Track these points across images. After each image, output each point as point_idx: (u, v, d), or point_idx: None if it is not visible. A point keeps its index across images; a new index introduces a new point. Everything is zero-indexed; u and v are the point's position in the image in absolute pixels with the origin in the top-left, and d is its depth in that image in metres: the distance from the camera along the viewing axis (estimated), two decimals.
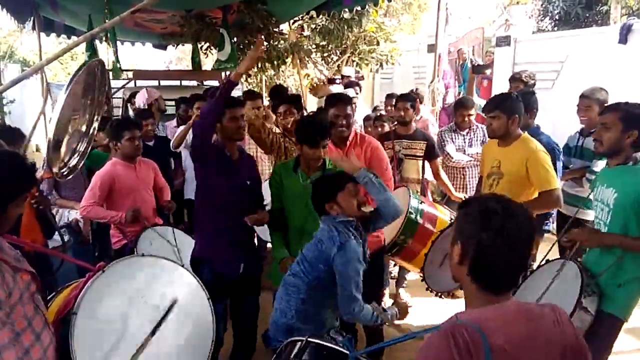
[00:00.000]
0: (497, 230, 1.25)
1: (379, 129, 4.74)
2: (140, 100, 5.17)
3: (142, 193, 3.57)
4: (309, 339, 1.79)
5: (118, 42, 6.29)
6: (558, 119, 4.88)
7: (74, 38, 7.49)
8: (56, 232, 2.86)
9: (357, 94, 6.42)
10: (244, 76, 8.32)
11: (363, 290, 2.28)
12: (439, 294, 3.40)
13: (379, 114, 5.34)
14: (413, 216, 3.38)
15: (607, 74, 6.11)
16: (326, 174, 2.69)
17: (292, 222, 2.89)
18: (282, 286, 2.38)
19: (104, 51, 6.81)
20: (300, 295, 2.29)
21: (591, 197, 2.70)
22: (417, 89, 6.35)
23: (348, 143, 3.15)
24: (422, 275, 3.41)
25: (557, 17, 14.52)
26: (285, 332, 2.26)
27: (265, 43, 7.43)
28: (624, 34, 6.36)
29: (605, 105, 3.31)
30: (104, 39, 6.39)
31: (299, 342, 1.79)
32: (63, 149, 2.35)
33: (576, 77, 6.72)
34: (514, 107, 3.09)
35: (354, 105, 3.40)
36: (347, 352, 1.63)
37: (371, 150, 3.14)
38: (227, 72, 7.19)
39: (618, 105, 2.46)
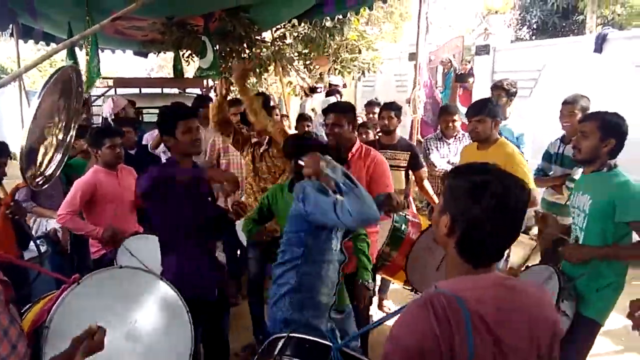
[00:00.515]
0: (492, 206, 1.19)
1: (364, 136, 4.68)
2: (107, 111, 5.12)
3: (124, 201, 3.52)
4: (290, 335, 1.78)
5: (99, 50, 6.22)
6: (536, 126, 4.97)
7: (53, 45, 7.40)
8: (32, 243, 2.81)
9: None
10: (226, 84, 8.29)
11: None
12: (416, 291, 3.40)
13: (362, 122, 5.36)
14: (398, 225, 3.35)
15: (583, 82, 6.24)
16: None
17: None
18: (274, 283, 2.34)
19: (84, 59, 6.73)
20: (291, 285, 2.23)
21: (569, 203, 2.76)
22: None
23: (350, 154, 3.10)
24: (406, 283, 3.42)
25: (534, 26, 14.82)
26: (284, 325, 2.20)
27: (247, 51, 7.44)
28: (599, 43, 6.51)
29: (586, 112, 3.40)
30: (83, 46, 6.32)
31: (282, 339, 1.78)
32: (39, 158, 2.31)
33: (553, 86, 6.86)
34: (497, 112, 3.25)
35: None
36: (331, 344, 1.62)
37: (374, 164, 3.09)
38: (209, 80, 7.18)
39: (597, 115, 2.52)
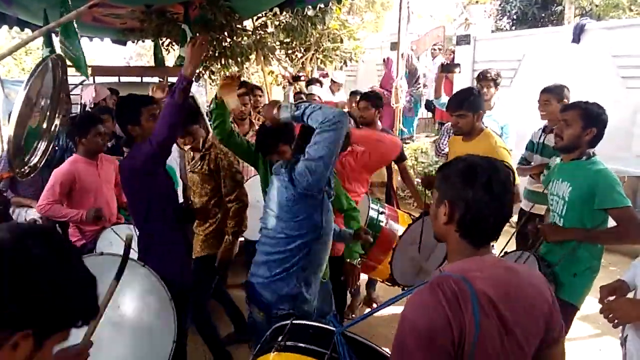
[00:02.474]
0: (484, 184, 1.29)
1: None
2: (87, 98, 5.02)
3: (104, 191, 3.46)
4: (293, 322, 1.79)
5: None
6: (516, 115, 5.04)
7: (28, 31, 7.21)
8: None
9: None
10: (208, 73, 8.22)
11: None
12: (404, 287, 3.42)
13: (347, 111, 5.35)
14: (375, 222, 3.36)
15: (561, 72, 6.34)
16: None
17: None
18: (265, 264, 2.29)
19: (59, 47, 6.57)
20: (302, 262, 2.24)
21: (546, 191, 2.81)
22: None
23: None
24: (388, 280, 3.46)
25: (514, 16, 14.96)
26: (289, 299, 2.24)
27: (229, 39, 7.36)
28: (577, 34, 6.61)
29: (565, 101, 3.44)
30: (59, 33, 6.18)
31: (285, 326, 1.79)
32: (23, 148, 2.27)
33: (533, 75, 6.95)
34: (479, 104, 3.18)
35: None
36: (333, 328, 1.64)
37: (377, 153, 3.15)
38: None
39: (579, 104, 2.56)
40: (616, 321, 1.93)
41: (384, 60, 8.21)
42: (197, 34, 5.86)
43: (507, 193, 1.32)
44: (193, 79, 2.37)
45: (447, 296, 1.21)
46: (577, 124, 2.49)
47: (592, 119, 2.48)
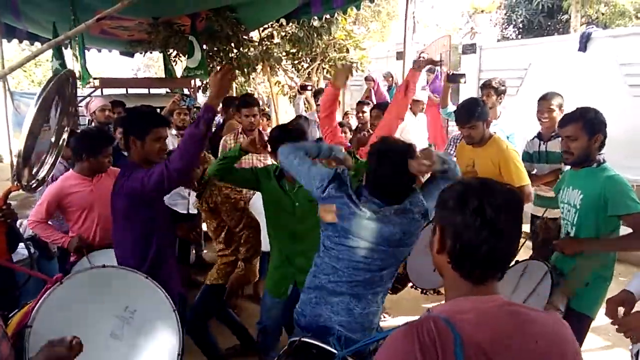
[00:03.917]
0: (474, 210, 1.12)
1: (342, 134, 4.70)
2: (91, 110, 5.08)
3: (99, 208, 3.18)
4: (302, 339, 1.79)
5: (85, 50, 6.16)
6: (523, 124, 5.01)
7: (37, 44, 7.31)
8: (20, 245, 2.77)
9: None
10: None
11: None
12: (424, 291, 3.36)
13: (339, 122, 5.35)
14: None
15: (568, 81, 6.31)
16: None
17: (280, 229, 2.77)
18: (353, 296, 2.03)
19: (71, 58, 6.65)
20: (384, 286, 2.11)
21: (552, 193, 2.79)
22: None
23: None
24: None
25: (520, 25, 14.98)
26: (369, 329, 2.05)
27: (235, 50, 7.41)
28: (584, 42, 6.58)
29: (562, 112, 3.45)
30: (69, 46, 6.25)
31: (295, 342, 1.79)
32: (32, 161, 2.29)
33: (539, 84, 6.92)
34: (486, 113, 3.24)
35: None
36: (335, 351, 1.63)
37: None
38: (197, 80, 7.14)
39: (575, 115, 2.53)
40: (634, 337, 1.88)
41: (366, 78, 8.28)
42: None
43: (506, 221, 1.12)
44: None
45: (423, 343, 1.04)
46: (582, 136, 2.47)
47: (594, 126, 2.46)
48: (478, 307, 1.12)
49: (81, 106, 6.66)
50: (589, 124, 2.46)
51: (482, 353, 1.05)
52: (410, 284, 3.32)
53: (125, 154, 4.48)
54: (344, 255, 2.00)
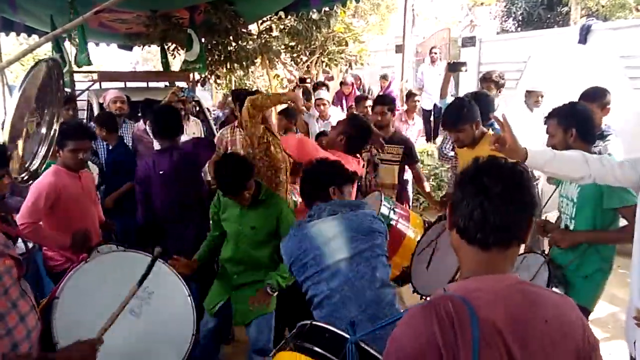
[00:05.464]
0: (471, 177, 1.19)
1: None
2: (107, 99, 5.09)
3: (88, 206, 3.14)
4: (313, 322, 1.79)
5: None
6: (521, 117, 5.00)
7: (35, 37, 7.27)
8: (19, 240, 2.76)
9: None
10: (213, 77, 8.24)
11: None
12: (425, 298, 3.36)
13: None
14: (386, 213, 3.28)
15: (567, 73, 6.31)
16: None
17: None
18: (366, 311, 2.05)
19: (71, 51, 6.61)
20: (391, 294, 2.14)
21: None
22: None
23: None
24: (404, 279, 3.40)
25: (520, 18, 14.91)
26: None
27: (234, 44, 7.38)
28: (584, 35, 6.57)
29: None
30: (71, 37, 6.23)
31: (306, 325, 1.79)
32: (20, 153, 2.28)
33: (539, 77, 6.91)
34: (474, 113, 3.11)
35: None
36: (347, 335, 1.63)
37: None
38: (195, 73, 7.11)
39: (553, 112, 2.63)
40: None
41: (341, 82, 8.31)
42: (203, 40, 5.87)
43: (505, 187, 1.15)
44: None
45: (441, 319, 1.07)
46: (558, 131, 2.57)
47: (567, 119, 2.54)
48: (493, 287, 1.14)
49: (82, 100, 6.65)
50: (563, 120, 2.55)
51: (497, 332, 1.08)
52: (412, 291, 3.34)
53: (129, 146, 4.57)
54: (333, 277, 2.08)
